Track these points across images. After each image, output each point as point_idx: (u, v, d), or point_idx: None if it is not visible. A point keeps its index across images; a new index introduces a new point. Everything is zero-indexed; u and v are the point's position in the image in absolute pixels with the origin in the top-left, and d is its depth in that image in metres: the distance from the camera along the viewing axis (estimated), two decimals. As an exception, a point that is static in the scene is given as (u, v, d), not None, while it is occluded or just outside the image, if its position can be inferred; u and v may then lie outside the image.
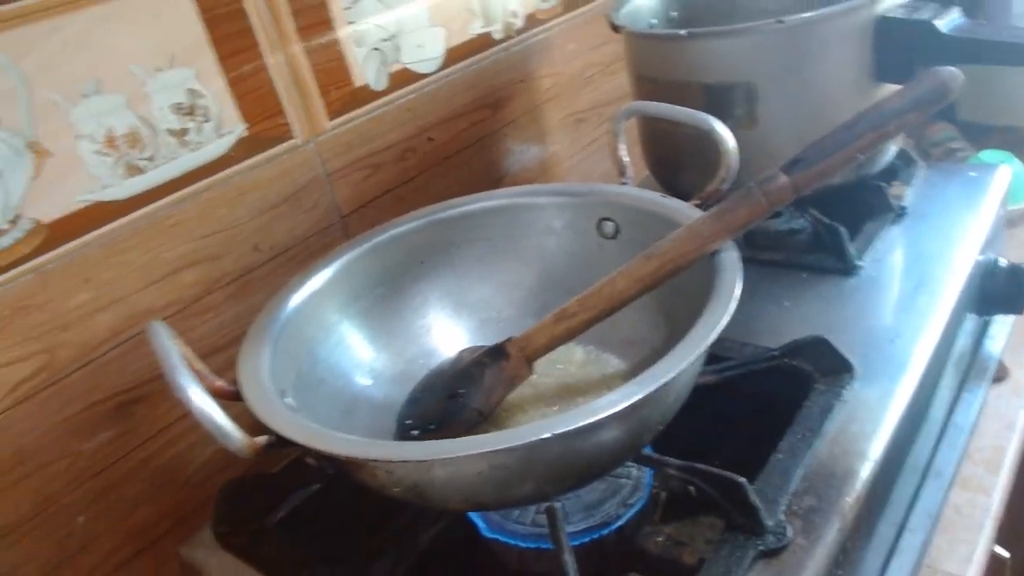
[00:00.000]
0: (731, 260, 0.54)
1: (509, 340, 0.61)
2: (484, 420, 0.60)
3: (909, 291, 0.73)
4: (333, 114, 0.80)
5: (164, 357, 0.47)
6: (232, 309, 0.74)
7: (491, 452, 0.44)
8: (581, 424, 0.43)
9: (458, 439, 0.45)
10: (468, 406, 0.60)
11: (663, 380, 0.44)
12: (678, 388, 0.52)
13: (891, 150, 0.86)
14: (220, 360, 0.73)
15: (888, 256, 0.78)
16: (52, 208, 0.61)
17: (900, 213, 0.84)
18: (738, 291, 0.51)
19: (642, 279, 0.56)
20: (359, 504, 0.64)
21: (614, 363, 0.67)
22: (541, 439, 0.42)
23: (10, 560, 0.63)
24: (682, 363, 0.45)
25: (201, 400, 0.44)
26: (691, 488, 0.59)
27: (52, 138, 0.61)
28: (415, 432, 0.62)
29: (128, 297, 0.67)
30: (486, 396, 0.60)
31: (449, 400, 0.62)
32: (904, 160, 0.91)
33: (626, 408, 0.43)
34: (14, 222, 0.59)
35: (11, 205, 0.59)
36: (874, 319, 0.71)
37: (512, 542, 0.59)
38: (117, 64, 0.63)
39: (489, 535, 0.60)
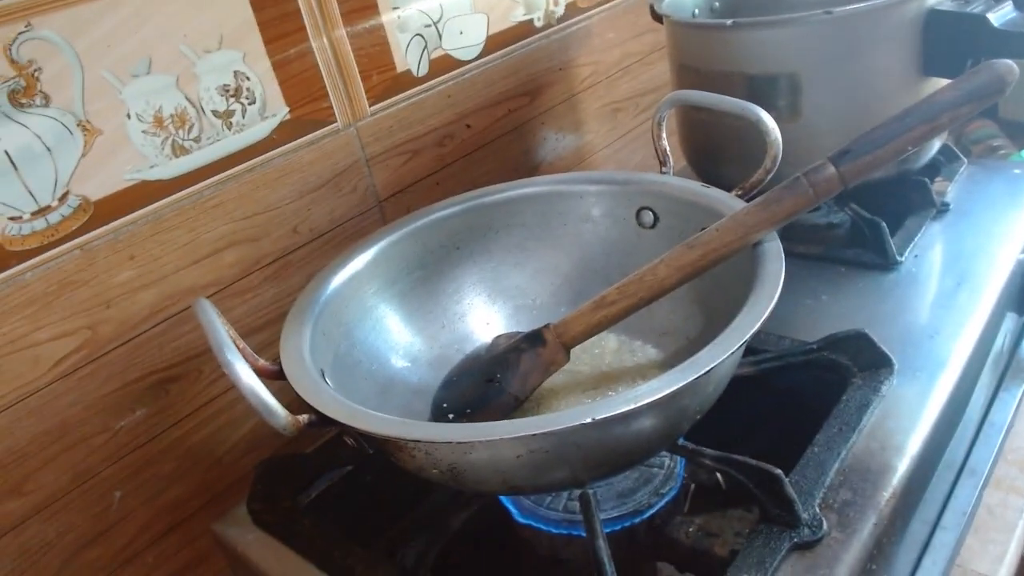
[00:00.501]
0: (774, 251, 0.54)
1: (546, 326, 0.61)
2: (520, 406, 0.61)
3: (950, 288, 0.72)
4: (374, 99, 0.80)
5: (212, 333, 0.48)
6: (270, 291, 0.75)
7: (531, 436, 0.44)
8: (622, 410, 0.43)
9: (499, 422, 0.45)
10: (505, 391, 0.60)
11: (706, 368, 0.44)
12: (718, 378, 0.52)
13: (935, 146, 0.84)
14: (256, 341, 0.74)
15: (929, 252, 0.78)
16: (100, 186, 0.62)
17: (942, 209, 0.83)
18: (781, 281, 0.50)
19: (683, 268, 0.55)
20: (391, 486, 0.65)
21: (648, 352, 0.67)
22: (582, 424, 0.42)
23: (50, 531, 0.64)
24: (725, 352, 0.45)
25: (248, 377, 0.45)
26: (722, 480, 0.59)
27: (102, 117, 0.61)
28: (451, 415, 0.62)
29: (171, 276, 0.68)
30: (522, 381, 0.60)
31: (485, 384, 0.62)
32: (947, 156, 0.90)
33: (667, 396, 0.43)
34: (63, 199, 0.60)
35: (60, 182, 0.60)
36: (913, 315, 0.70)
37: (544, 528, 0.59)
38: (168, 44, 0.64)
39: (521, 520, 0.60)
